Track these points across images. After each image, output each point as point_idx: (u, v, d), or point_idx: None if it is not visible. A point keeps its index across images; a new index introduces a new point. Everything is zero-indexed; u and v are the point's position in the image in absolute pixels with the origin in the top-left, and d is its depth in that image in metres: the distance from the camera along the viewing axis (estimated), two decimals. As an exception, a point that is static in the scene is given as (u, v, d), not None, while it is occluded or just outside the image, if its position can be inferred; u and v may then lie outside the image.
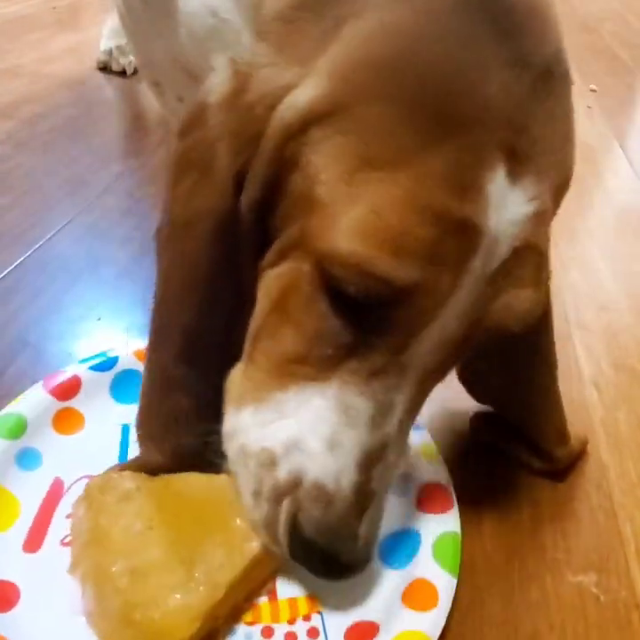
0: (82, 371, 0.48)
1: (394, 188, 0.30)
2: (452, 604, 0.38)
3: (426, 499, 0.43)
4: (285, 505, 0.35)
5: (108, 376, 0.49)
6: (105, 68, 1.18)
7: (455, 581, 0.39)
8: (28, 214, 0.74)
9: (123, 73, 1.17)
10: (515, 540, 0.44)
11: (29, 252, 0.68)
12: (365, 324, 0.33)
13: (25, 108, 0.99)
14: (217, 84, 0.35)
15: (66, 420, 0.46)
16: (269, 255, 0.35)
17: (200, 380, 0.38)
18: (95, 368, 0.48)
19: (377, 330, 0.33)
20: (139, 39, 0.63)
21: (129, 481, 0.39)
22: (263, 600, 0.38)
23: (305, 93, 0.32)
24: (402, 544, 0.41)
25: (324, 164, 0.31)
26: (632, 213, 0.93)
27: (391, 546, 0.41)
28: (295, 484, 0.34)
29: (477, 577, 0.42)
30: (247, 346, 0.37)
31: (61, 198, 0.78)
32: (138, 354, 0.49)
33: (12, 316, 0.59)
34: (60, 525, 0.40)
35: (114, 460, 0.44)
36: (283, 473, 0.35)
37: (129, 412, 0.45)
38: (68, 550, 0.38)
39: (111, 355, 0.49)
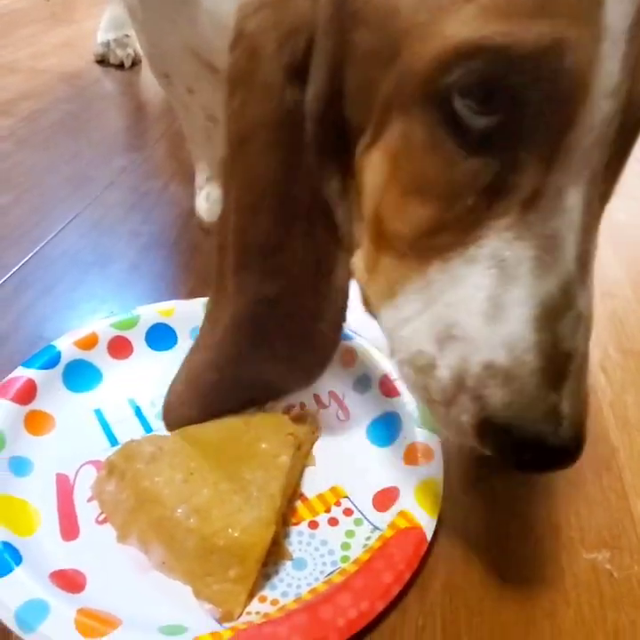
0: (32, 373, 0.48)
1: None
2: (472, 584, 0.40)
3: None
4: (462, 404, 0.30)
5: (57, 371, 0.49)
6: (102, 61, 1.17)
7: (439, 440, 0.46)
8: (32, 212, 0.74)
9: (121, 65, 1.16)
10: (530, 521, 0.45)
11: (36, 250, 0.68)
12: (502, 145, 0.28)
13: (23, 105, 0.99)
14: None
15: (35, 423, 0.46)
16: (364, 139, 0.32)
17: (287, 298, 0.36)
18: (42, 366, 0.48)
19: (517, 147, 0.27)
20: (150, 30, 0.61)
21: (148, 445, 0.41)
22: (297, 504, 0.43)
23: None
24: (388, 425, 0.48)
25: None
26: (636, 202, 0.93)
27: (378, 428, 0.48)
28: (461, 380, 0.30)
29: (495, 555, 0.43)
30: (365, 238, 0.33)
31: (65, 195, 0.78)
32: (79, 342, 0.50)
33: (24, 312, 0.59)
34: (85, 510, 0.41)
35: (103, 441, 0.46)
36: (444, 373, 0.30)
37: (90, 398, 0.49)
38: (105, 526, 0.40)
39: (52, 350, 0.49)
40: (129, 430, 0.47)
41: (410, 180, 0.30)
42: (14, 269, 0.65)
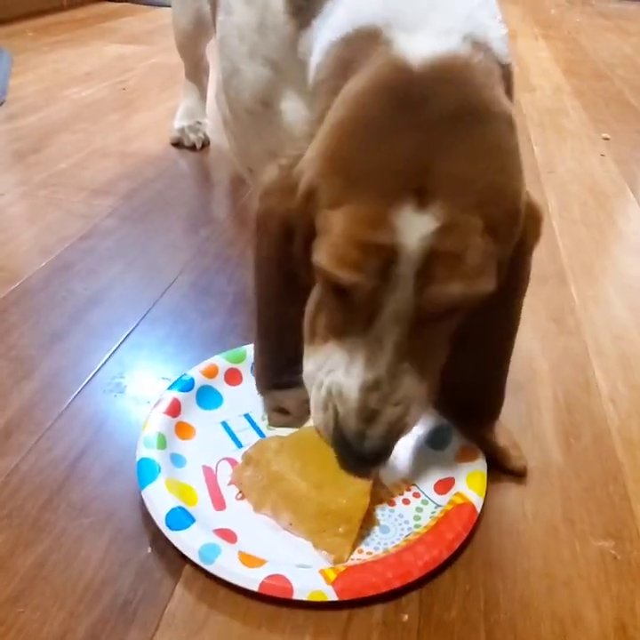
0: (175, 394, 0.65)
1: (339, 225, 0.46)
2: (502, 563, 0.53)
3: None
4: (329, 409, 0.53)
5: (192, 394, 0.66)
6: (177, 144, 1.38)
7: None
8: (142, 276, 0.92)
9: (193, 147, 1.37)
10: (549, 517, 0.59)
11: (150, 307, 0.85)
12: (349, 307, 0.50)
13: (120, 185, 1.19)
14: (268, 173, 0.55)
15: (183, 430, 0.63)
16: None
17: (280, 347, 0.60)
18: (182, 390, 0.66)
19: (355, 311, 0.50)
20: (239, 137, 0.80)
21: (273, 442, 0.59)
22: (379, 489, 0.58)
23: (307, 174, 0.50)
24: (443, 434, 0.64)
25: (319, 212, 0.48)
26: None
27: (435, 436, 0.64)
28: (328, 395, 0.53)
29: (523, 541, 0.56)
30: (306, 323, 0.57)
31: (164, 262, 0.96)
32: (205, 371, 0.68)
33: (148, 357, 0.76)
34: (227, 490, 0.59)
35: (230, 443, 0.63)
36: (324, 390, 0.53)
37: (217, 414, 0.66)
38: (242, 502, 0.57)
39: (187, 378, 0.67)
40: (248, 436, 0.64)
41: (323, 302, 0.54)
42: (135, 324, 0.82)
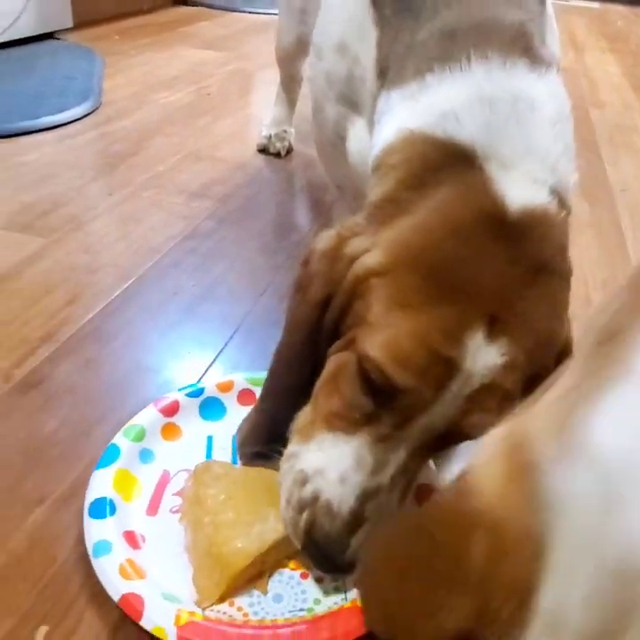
0: (180, 396, 0.68)
1: (408, 326, 0.46)
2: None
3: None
4: (304, 516, 0.50)
5: (197, 400, 0.69)
6: (263, 150, 1.46)
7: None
8: (242, 275, 1.00)
9: (277, 154, 1.45)
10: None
11: (250, 307, 0.93)
12: (381, 403, 0.48)
13: (214, 189, 1.27)
14: (325, 238, 0.55)
15: (170, 431, 0.66)
16: (334, 347, 0.53)
17: (278, 412, 0.57)
18: (189, 395, 0.69)
19: (388, 410, 0.48)
20: (328, 162, 0.89)
21: (219, 468, 0.59)
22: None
23: (371, 257, 0.50)
24: None
25: (374, 301, 0.49)
26: None
27: None
28: (314, 499, 0.50)
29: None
30: (312, 399, 0.55)
31: (260, 264, 1.04)
32: (219, 385, 0.70)
33: (254, 353, 0.83)
34: (168, 500, 0.60)
35: (202, 458, 0.64)
36: (307, 491, 0.51)
37: (212, 427, 0.67)
38: (176, 515, 0.58)
39: (200, 386, 0.70)
40: (223, 456, 0.64)
41: (337, 385, 0.52)
42: (239, 325, 0.90)
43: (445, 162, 0.52)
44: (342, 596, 0.54)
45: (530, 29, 0.58)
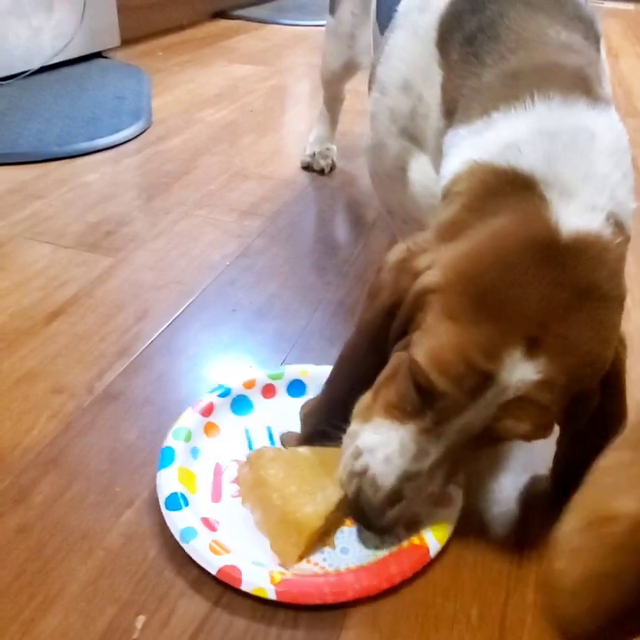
0: (213, 398, 0.77)
1: (451, 339, 0.52)
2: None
3: None
4: (354, 483, 0.59)
5: (228, 399, 0.77)
6: (307, 168, 1.53)
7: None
8: (296, 293, 1.07)
9: (321, 172, 1.51)
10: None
11: (305, 324, 0.99)
12: (426, 401, 0.56)
13: (264, 207, 1.34)
14: (396, 251, 0.61)
15: (210, 429, 0.75)
16: (398, 345, 0.60)
17: (339, 396, 0.66)
18: (220, 395, 0.77)
19: (431, 408, 0.56)
20: (381, 190, 0.94)
21: (271, 452, 0.68)
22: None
23: (430, 276, 0.56)
24: None
25: (428, 313, 0.55)
26: None
27: None
28: (363, 472, 0.58)
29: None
30: (374, 387, 0.62)
31: (311, 282, 1.10)
32: (244, 384, 0.79)
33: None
34: (228, 487, 0.69)
35: (246, 449, 0.73)
36: (359, 464, 0.59)
37: (245, 421, 0.76)
38: (237, 499, 0.67)
39: (227, 386, 0.78)
40: (262, 444, 0.73)
41: (395, 379, 0.59)
42: (296, 339, 0.96)
43: (506, 188, 0.56)
44: (398, 540, 0.64)
45: (589, 73, 0.62)
